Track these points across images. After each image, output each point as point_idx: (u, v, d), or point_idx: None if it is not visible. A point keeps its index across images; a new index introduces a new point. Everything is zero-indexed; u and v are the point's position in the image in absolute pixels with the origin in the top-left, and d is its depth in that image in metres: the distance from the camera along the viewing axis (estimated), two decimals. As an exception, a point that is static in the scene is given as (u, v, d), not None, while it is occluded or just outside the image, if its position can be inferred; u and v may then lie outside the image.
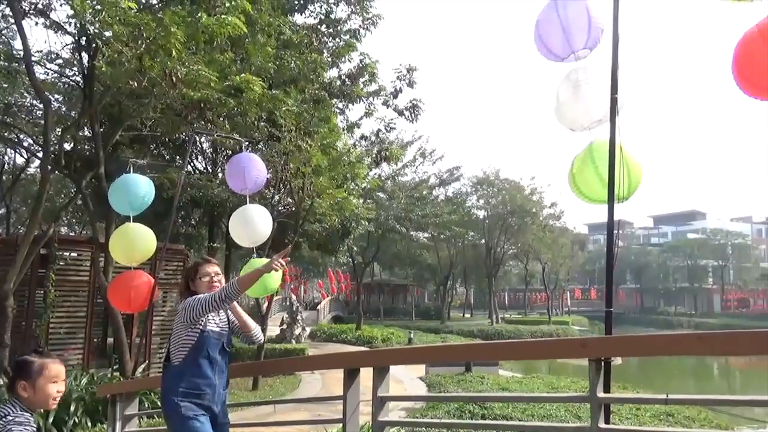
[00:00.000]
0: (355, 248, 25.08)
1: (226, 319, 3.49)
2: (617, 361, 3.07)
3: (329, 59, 10.16)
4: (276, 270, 3.31)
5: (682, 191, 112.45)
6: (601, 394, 2.78)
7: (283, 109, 8.89)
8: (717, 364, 28.72)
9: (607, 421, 2.87)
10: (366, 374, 3.61)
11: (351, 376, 3.65)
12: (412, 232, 32.18)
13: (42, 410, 2.48)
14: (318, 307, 38.75)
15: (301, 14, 10.89)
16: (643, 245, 70.26)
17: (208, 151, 15.81)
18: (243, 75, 6.89)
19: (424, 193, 30.36)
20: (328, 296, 43.82)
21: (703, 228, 64.28)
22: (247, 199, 6.28)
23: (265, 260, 4.65)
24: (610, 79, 3.38)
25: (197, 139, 13.39)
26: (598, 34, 3.62)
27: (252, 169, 6.34)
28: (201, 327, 3.27)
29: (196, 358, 3.24)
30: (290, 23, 10.11)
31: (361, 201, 20.77)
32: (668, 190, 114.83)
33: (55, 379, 2.33)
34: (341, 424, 3.69)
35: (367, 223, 19.67)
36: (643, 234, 76.97)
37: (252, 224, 5.99)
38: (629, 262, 63.29)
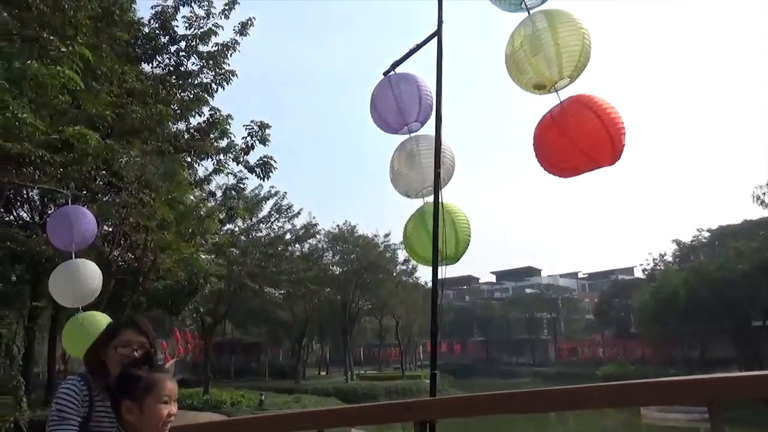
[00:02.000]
0: (202, 308, 23.85)
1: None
2: None
3: (177, 111, 9.82)
4: None
5: (521, 249, 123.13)
6: (426, 457, 2.85)
7: (124, 160, 8.35)
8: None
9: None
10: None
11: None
12: (266, 289, 31.41)
13: None
14: (161, 370, 35.85)
15: (149, 64, 10.49)
16: (488, 299, 75.07)
17: (35, 199, 14.35)
18: (77, 128, 6.35)
19: (279, 249, 29.97)
20: (173, 358, 40.73)
21: (538, 283, 70.51)
22: (73, 254, 5.81)
23: None
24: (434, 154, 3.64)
25: (25, 187, 12.12)
26: (428, 110, 3.92)
27: (81, 222, 5.89)
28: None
29: None
30: (136, 71, 9.68)
31: (212, 257, 19.92)
32: (508, 247, 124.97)
33: (167, 398, 1.88)
34: None
35: (217, 279, 18.86)
36: (487, 289, 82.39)
37: (77, 281, 5.48)
38: (476, 316, 67.16)
